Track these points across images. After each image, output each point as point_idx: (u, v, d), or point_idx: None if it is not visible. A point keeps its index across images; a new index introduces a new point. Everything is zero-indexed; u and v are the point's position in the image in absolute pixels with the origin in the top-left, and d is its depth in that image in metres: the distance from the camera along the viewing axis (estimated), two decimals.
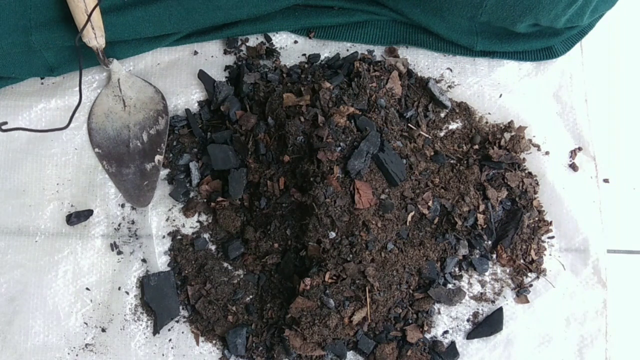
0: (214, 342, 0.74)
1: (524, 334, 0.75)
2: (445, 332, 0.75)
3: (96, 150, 0.77)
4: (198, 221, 0.77)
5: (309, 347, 0.69)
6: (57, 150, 0.77)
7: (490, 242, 0.77)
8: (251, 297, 0.75)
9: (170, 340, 0.74)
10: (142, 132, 0.77)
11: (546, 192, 0.78)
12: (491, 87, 0.81)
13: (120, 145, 0.78)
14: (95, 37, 0.72)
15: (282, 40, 0.82)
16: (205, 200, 0.77)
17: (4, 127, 0.67)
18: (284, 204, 0.73)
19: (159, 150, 0.77)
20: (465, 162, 0.78)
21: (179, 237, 0.76)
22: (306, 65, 0.81)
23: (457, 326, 0.75)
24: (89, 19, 0.70)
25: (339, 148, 0.70)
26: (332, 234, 0.70)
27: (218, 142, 0.76)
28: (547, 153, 0.80)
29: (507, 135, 0.79)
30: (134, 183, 0.77)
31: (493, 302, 0.76)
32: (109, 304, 0.74)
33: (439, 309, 0.75)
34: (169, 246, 0.76)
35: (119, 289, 0.75)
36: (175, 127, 0.78)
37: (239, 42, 0.81)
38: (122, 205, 0.77)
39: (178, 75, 0.80)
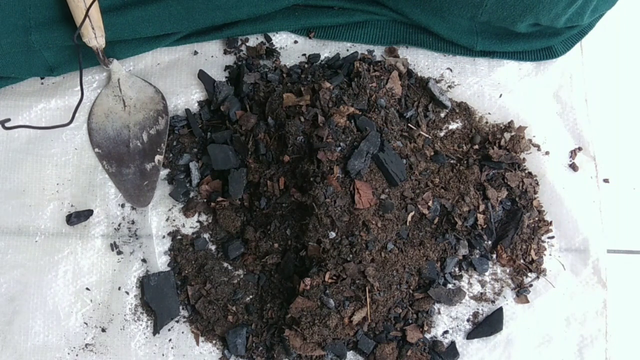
0: (214, 342, 0.74)
1: (524, 334, 0.75)
2: (445, 332, 0.75)
3: (96, 150, 0.77)
4: (198, 221, 0.77)
5: (309, 347, 0.69)
6: (57, 150, 0.77)
7: (490, 242, 0.77)
8: (251, 297, 0.75)
9: (170, 340, 0.74)
10: (142, 132, 0.77)
11: (546, 192, 0.78)
12: (491, 87, 0.81)
13: (120, 145, 0.78)
14: (95, 37, 0.72)
15: (282, 40, 0.82)
16: (205, 200, 0.77)
17: (6, 125, 0.67)
18: (284, 204, 0.73)
19: (159, 150, 0.77)
20: (465, 162, 0.78)
21: (179, 237, 0.76)
22: (306, 65, 0.81)
23: (457, 326, 0.75)
24: (86, 16, 0.70)
25: (339, 148, 0.70)
26: (332, 234, 0.70)
27: (218, 142, 0.76)
28: (547, 153, 0.80)
29: (507, 135, 0.79)
30: (134, 183, 0.77)
31: (493, 302, 0.76)
32: (109, 304, 0.74)
33: (439, 309, 0.75)
34: (169, 246, 0.76)
35: (119, 289, 0.75)
36: (175, 127, 0.78)
37: (239, 42, 0.81)
38: (122, 205, 0.77)
39: (178, 75, 0.80)
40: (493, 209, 0.77)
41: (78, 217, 0.75)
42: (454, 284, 0.76)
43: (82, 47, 0.73)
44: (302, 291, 0.70)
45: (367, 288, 0.70)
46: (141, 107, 0.78)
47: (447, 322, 0.75)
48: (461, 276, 0.76)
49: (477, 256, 0.76)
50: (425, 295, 0.74)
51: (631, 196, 0.82)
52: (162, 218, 0.77)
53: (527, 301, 0.76)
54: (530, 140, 0.80)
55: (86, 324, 0.74)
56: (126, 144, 0.78)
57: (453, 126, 0.80)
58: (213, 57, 0.81)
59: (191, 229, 0.77)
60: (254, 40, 0.81)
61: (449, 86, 0.81)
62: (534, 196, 0.78)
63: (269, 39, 0.81)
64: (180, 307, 0.74)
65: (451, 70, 0.82)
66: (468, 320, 0.75)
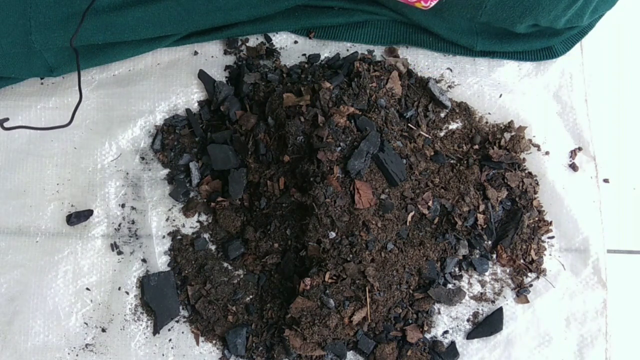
0: (214, 342, 0.74)
1: (524, 334, 0.75)
2: (445, 332, 0.75)
3: None
4: (198, 221, 0.77)
5: (309, 347, 0.69)
6: (57, 150, 0.77)
7: (490, 242, 0.77)
8: (251, 297, 0.75)
9: (170, 340, 0.74)
10: None
11: (546, 192, 0.78)
12: (491, 87, 0.81)
13: None
14: None
15: (282, 40, 0.82)
16: (205, 200, 0.77)
17: (5, 125, 0.66)
18: (284, 204, 0.73)
19: None
20: (465, 162, 0.78)
21: (179, 237, 0.76)
22: (306, 65, 0.81)
23: (457, 326, 0.75)
24: (83, 20, 0.69)
25: (339, 148, 0.70)
26: (332, 234, 0.70)
27: (218, 142, 0.76)
28: (547, 153, 0.80)
29: (507, 135, 0.79)
30: None
31: (493, 302, 0.76)
32: (109, 304, 0.74)
33: (439, 309, 0.75)
34: (169, 246, 0.76)
35: (119, 289, 0.75)
36: (175, 127, 0.78)
37: (239, 43, 0.81)
38: (122, 205, 0.77)
39: (178, 75, 0.80)
40: (493, 209, 0.77)
41: (78, 217, 0.75)
42: (454, 284, 0.76)
43: (81, 47, 0.73)
44: (302, 291, 0.70)
45: (367, 288, 0.70)
46: None
47: (447, 322, 0.75)
48: (461, 276, 0.76)
49: (477, 256, 0.76)
50: (425, 295, 0.74)
51: (631, 196, 0.82)
52: (162, 218, 0.77)
53: (527, 301, 0.76)
54: (530, 140, 0.80)
55: (86, 324, 0.74)
56: None
57: (453, 126, 0.80)
58: (213, 57, 0.81)
59: (191, 229, 0.77)
60: (254, 41, 0.81)
61: (449, 86, 0.81)
62: (534, 196, 0.78)
63: (269, 39, 0.81)
64: (180, 307, 0.74)
65: (451, 70, 0.82)
66: (468, 320, 0.75)
